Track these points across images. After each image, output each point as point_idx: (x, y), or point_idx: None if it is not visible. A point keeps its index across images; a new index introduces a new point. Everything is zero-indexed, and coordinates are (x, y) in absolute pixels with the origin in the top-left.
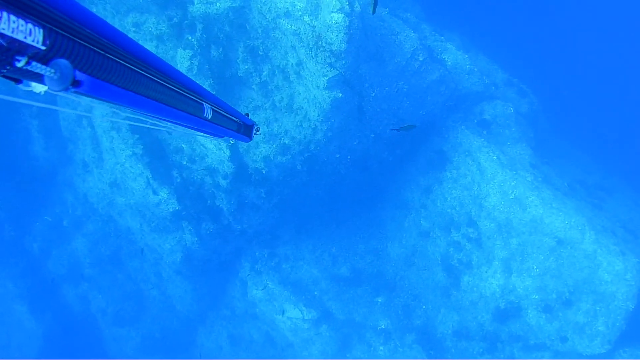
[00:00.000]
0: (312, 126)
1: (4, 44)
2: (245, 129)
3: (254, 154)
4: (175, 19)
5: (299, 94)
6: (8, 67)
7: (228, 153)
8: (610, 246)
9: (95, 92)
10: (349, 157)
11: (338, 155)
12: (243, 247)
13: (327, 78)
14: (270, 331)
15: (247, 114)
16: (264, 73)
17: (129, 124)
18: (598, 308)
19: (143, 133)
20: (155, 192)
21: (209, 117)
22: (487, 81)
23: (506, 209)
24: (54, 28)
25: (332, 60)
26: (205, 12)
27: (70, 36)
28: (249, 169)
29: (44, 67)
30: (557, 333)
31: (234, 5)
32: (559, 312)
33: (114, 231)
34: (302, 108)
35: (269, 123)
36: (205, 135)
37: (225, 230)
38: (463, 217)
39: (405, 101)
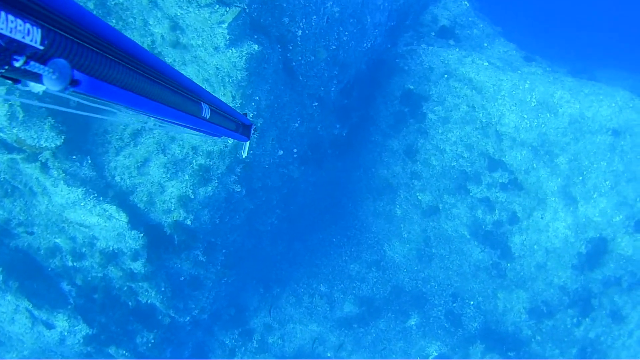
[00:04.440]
0: None
1: (2, 43)
2: (243, 129)
3: (163, 202)
4: None
5: (189, 77)
6: (6, 67)
7: (124, 217)
8: None
9: (93, 92)
10: (294, 150)
11: (281, 153)
12: (205, 341)
13: (226, 25)
14: None
15: (246, 114)
16: None
17: None
18: None
19: None
20: (49, 326)
21: (207, 117)
22: None
23: (534, 123)
24: (52, 28)
25: None
26: None
27: (69, 36)
28: (165, 228)
29: (42, 66)
30: None
31: None
32: None
33: None
34: None
35: (163, 149)
36: (204, 135)
37: (170, 331)
38: (479, 162)
39: (343, 32)
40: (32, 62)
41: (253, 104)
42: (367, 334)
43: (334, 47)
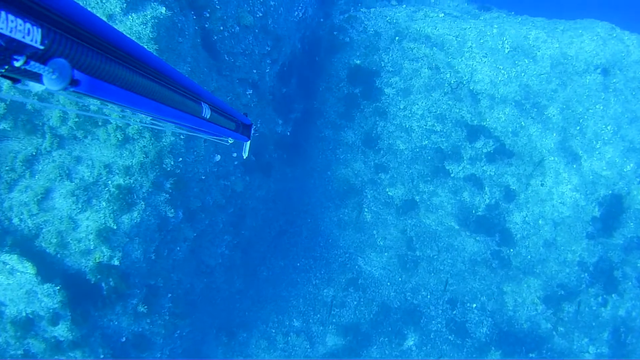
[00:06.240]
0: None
1: (3, 43)
2: (243, 128)
3: (78, 240)
4: None
5: None
6: (6, 67)
7: (31, 269)
8: None
9: (93, 92)
10: (234, 154)
11: (218, 158)
12: None
13: None
14: None
15: (245, 114)
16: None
17: None
18: None
19: None
20: None
21: (208, 117)
22: None
23: (512, 73)
24: (52, 27)
25: None
26: None
27: (69, 35)
28: (88, 275)
29: (42, 66)
30: None
31: None
32: None
33: None
34: None
35: (67, 173)
36: (205, 134)
37: None
38: (456, 134)
39: None
40: (32, 62)
41: None
42: None
43: (261, 13)
